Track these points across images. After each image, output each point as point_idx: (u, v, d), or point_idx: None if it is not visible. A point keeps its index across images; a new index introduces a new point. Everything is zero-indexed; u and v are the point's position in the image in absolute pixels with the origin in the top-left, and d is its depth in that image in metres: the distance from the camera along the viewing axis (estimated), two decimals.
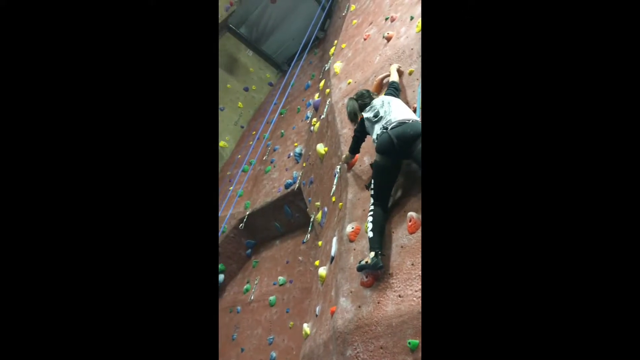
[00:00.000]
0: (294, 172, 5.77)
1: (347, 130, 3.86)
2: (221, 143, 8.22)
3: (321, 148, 4.59)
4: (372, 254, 2.51)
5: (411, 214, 2.61)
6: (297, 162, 5.93)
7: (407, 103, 3.17)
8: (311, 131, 5.55)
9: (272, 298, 5.26)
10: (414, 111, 3.02)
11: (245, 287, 5.89)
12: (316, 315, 3.25)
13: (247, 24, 9.18)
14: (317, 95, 5.84)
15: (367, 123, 3.05)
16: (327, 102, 4.73)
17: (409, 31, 3.75)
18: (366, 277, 2.60)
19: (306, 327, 3.39)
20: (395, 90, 3.16)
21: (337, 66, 4.80)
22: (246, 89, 9.06)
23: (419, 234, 2.51)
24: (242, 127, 8.70)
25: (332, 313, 2.75)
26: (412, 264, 2.42)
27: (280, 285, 5.31)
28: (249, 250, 6.36)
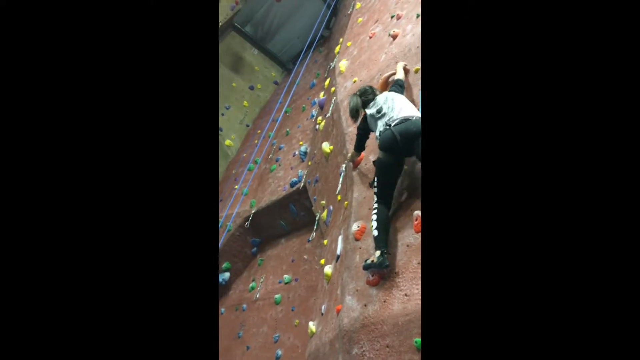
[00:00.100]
0: (300, 170, 5.77)
1: (352, 129, 3.85)
2: (227, 142, 8.24)
3: (326, 146, 4.59)
4: (378, 252, 2.50)
5: (417, 212, 2.61)
6: (303, 161, 5.92)
7: (413, 101, 3.15)
8: (316, 130, 5.55)
9: (277, 296, 5.27)
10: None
11: (250, 285, 5.90)
12: (322, 314, 3.26)
13: (252, 22, 9.19)
14: (322, 93, 5.83)
15: (370, 119, 3.04)
16: (333, 101, 4.72)
17: (415, 29, 3.73)
18: (372, 275, 2.60)
19: (312, 326, 3.39)
20: (399, 87, 3.14)
21: (343, 64, 4.79)
22: (251, 88, 9.07)
23: None
24: (248, 125, 8.71)
25: (338, 311, 2.75)
26: (419, 263, 2.41)
27: (286, 283, 5.32)
28: (255, 249, 6.38)
